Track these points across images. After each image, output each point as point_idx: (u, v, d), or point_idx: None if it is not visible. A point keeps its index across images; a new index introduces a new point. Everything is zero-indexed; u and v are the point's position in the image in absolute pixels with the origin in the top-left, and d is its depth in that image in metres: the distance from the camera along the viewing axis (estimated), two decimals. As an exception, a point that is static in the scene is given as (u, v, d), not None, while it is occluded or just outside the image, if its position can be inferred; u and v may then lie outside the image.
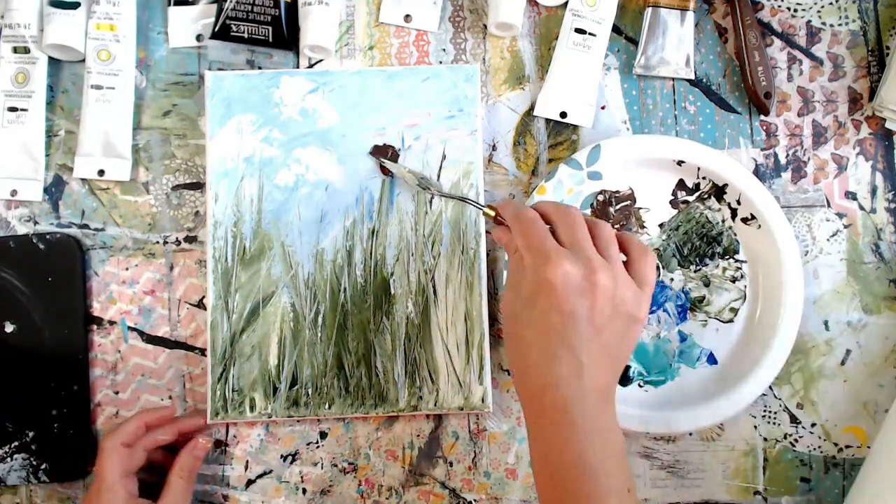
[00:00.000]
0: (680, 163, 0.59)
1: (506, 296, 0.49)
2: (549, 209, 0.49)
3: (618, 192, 0.60)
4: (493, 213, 0.52)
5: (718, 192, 0.60)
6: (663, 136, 0.60)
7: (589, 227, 0.47)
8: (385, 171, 0.59)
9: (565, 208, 0.48)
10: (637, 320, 0.46)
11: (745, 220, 0.59)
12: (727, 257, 0.60)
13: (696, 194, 0.60)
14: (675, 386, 0.59)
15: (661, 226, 0.60)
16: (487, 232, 0.60)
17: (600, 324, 0.45)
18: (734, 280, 0.60)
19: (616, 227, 0.60)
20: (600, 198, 0.60)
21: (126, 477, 0.53)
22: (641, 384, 0.59)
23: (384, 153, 0.59)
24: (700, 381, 0.59)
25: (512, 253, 0.49)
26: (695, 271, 0.60)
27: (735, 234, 0.60)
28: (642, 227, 0.60)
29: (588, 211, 0.60)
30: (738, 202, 0.59)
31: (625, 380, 0.59)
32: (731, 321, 0.60)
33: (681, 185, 0.60)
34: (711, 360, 0.60)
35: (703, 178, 0.60)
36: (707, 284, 0.60)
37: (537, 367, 0.45)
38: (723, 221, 0.60)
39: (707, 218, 0.60)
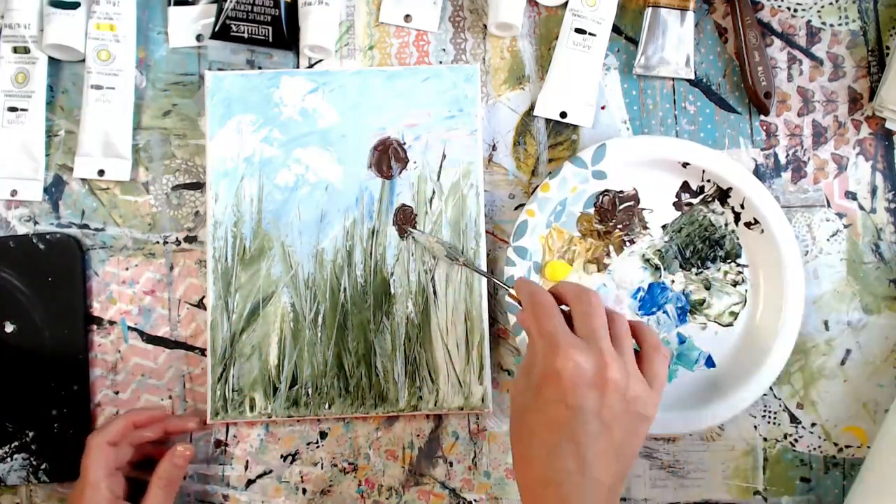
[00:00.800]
0: (685, 165, 0.59)
1: (517, 380, 0.47)
2: (569, 293, 0.47)
3: (622, 191, 0.60)
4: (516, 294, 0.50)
5: (722, 195, 0.60)
6: (668, 138, 0.60)
7: (608, 317, 0.46)
8: (402, 232, 0.58)
9: (585, 293, 0.46)
10: (646, 419, 0.44)
11: (748, 225, 0.59)
12: (729, 261, 0.60)
13: (700, 197, 0.60)
14: (672, 388, 0.59)
15: (664, 227, 0.60)
16: (488, 232, 0.60)
17: (609, 419, 0.43)
18: (735, 284, 0.60)
19: (619, 227, 0.60)
20: (604, 197, 0.60)
21: (110, 476, 0.52)
22: None
23: (408, 219, 0.58)
24: (697, 384, 0.59)
25: (532, 339, 0.47)
26: (696, 274, 0.60)
27: (738, 239, 0.60)
28: (645, 227, 0.60)
29: (591, 210, 0.60)
30: (742, 206, 0.59)
31: None
32: (730, 325, 0.60)
33: (685, 187, 0.60)
34: (710, 363, 0.59)
35: (708, 180, 0.59)
36: (708, 287, 0.60)
37: (539, 460, 0.43)
38: (726, 225, 0.60)
39: (710, 221, 0.60)
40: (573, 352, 0.43)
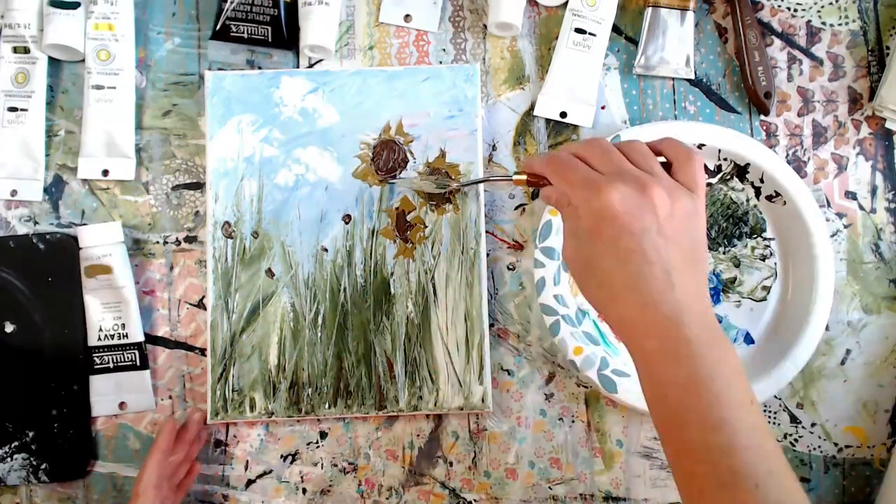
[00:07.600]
0: (700, 146, 0.59)
1: (566, 245, 0.46)
2: (576, 147, 0.47)
3: None
4: (524, 178, 0.49)
5: (741, 172, 0.60)
6: (681, 122, 0.60)
7: (622, 151, 0.46)
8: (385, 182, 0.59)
9: (591, 140, 0.46)
10: (699, 218, 0.44)
11: (769, 198, 0.59)
12: (755, 236, 0.60)
13: (719, 176, 0.60)
14: None
15: None
16: (488, 232, 0.60)
17: (670, 233, 0.43)
18: (764, 258, 0.60)
19: None
20: None
21: (158, 487, 0.55)
22: None
23: (391, 169, 0.59)
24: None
25: (564, 206, 0.46)
26: (724, 253, 0.60)
27: (761, 213, 0.60)
28: None
29: None
30: (762, 180, 0.59)
31: None
32: (764, 300, 0.60)
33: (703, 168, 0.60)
34: (748, 340, 0.60)
35: (724, 159, 0.59)
36: (737, 265, 0.60)
37: (627, 292, 0.43)
38: (747, 201, 0.60)
39: (731, 199, 0.60)
40: (612, 185, 0.43)
